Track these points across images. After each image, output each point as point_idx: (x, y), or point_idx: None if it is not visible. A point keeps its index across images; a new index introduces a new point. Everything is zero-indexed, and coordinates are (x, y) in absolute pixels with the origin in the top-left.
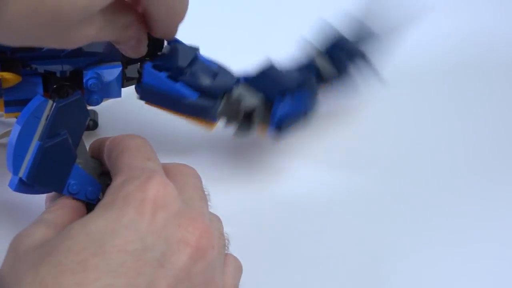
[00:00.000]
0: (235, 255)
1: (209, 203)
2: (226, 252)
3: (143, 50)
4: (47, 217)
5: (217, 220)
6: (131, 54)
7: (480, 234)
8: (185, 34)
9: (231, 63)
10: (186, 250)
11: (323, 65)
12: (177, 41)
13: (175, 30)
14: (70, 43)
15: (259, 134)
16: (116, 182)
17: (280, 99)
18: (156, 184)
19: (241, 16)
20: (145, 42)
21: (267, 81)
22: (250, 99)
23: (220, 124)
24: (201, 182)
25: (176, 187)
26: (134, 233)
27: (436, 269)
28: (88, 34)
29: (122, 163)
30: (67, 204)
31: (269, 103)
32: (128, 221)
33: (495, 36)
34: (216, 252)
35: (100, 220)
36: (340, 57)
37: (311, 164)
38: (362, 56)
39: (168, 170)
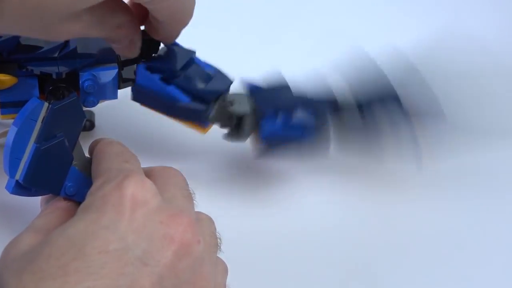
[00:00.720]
0: (228, 258)
1: (194, 201)
2: (219, 251)
3: (136, 51)
4: (37, 222)
5: (208, 219)
6: (123, 54)
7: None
8: (189, 36)
9: (233, 67)
10: (170, 247)
11: (347, 103)
12: (175, 43)
13: (177, 34)
14: (54, 37)
15: (252, 142)
16: (94, 185)
17: (271, 116)
18: (133, 182)
19: (249, 20)
20: (138, 43)
21: (265, 94)
22: (241, 105)
23: (218, 128)
24: (185, 181)
25: (158, 187)
26: (114, 233)
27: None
28: (72, 31)
29: (100, 168)
30: (59, 207)
31: (260, 115)
32: (107, 222)
33: (494, 38)
34: (202, 247)
35: (79, 223)
36: (370, 99)
37: (306, 168)
38: (397, 103)
39: (150, 172)
